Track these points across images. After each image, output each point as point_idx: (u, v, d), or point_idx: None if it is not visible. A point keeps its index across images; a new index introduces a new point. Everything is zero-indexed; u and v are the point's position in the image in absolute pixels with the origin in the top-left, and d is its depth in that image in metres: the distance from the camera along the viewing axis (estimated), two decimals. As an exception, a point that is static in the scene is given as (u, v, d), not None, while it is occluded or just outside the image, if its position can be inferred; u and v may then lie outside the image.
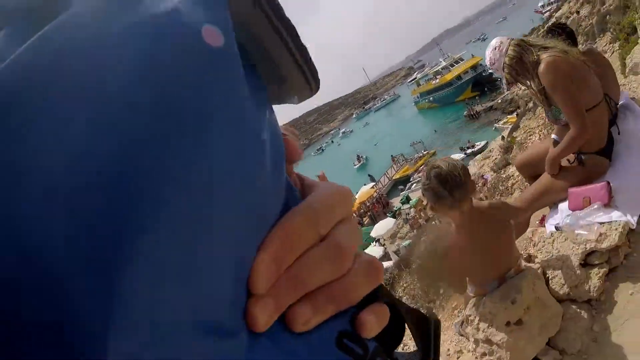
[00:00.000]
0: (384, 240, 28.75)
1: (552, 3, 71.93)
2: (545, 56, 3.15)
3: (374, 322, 0.37)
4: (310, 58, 0.38)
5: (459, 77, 60.34)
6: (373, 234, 28.97)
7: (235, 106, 0.29)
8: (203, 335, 0.27)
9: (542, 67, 3.13)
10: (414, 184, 33.97)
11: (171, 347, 0.25)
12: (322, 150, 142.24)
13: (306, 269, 0.33)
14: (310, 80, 0.39)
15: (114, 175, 0.23)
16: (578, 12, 20.79)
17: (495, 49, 3.39)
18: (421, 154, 45.02)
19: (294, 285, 0.33)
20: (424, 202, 24.06)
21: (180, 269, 0.25)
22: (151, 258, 0.23)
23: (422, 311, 0.42)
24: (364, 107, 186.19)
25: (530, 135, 11.92)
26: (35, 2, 0.31)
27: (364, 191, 39.74)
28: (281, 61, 0.37)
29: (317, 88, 0.41)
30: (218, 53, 0.29)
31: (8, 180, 0.21)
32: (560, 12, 23.88)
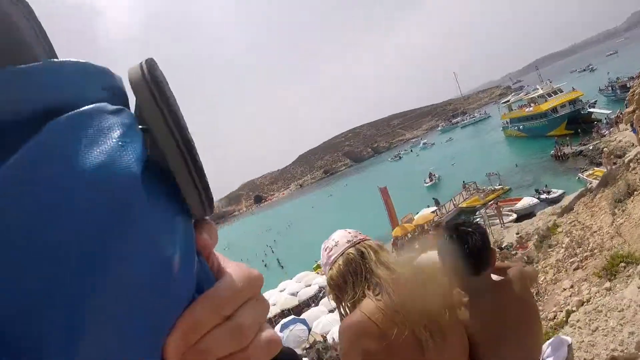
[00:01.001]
0: None
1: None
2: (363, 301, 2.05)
3: None
4: (206, 181, 0.45)
5: (554, 110, 55.90)
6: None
7: (143, 238, 0.37)
8: None
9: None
10: (478, 219, 31.27)
11: None
12: (400, 157, 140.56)
13: (210, 344, 0.42)
14: (204, 204, 0.46)
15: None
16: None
17: (326, 249, 2.30)
18: (494, 188, 42.24)
19: (200, 356, 0.42)
20: None
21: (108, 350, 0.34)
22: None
23: None
24: (451, 121, 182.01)
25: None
26: None
27: (423, 215, 37.98)
28: (181, 183, 0.44)
29: (211, 211, 0.48)
30: (129, 192, 0.37)
31: None
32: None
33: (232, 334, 0.44)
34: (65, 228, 0.33)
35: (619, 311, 6.29)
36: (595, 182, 23.00)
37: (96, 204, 0.35)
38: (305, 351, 25.55)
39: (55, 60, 0.42)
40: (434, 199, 48.06)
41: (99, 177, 0.36)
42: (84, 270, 0.33)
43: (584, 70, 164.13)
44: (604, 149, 31.29)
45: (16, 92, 0.37)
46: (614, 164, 22.20)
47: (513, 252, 22.88)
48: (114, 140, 0.39)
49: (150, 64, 0.43)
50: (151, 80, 0.42)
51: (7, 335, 0.30)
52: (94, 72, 0.43)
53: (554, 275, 14.27)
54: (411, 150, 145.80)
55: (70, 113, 0.38)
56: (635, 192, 14.01)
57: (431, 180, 64.06)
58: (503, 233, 27.02)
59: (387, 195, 39.70)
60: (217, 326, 0.44)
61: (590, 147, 39.58)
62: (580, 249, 14.19)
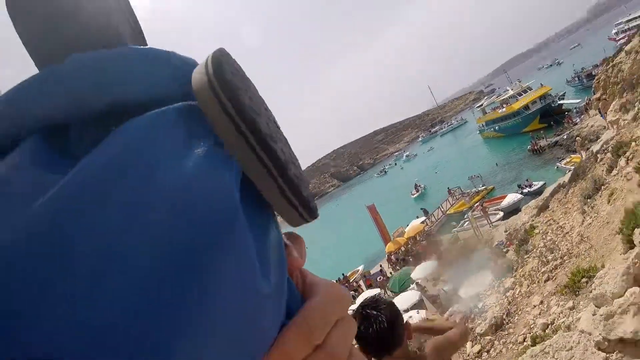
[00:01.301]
0: (425, 282, 27.40)
1: (625, 31, 68.23)
2: None
3: None
4: (302, 191, 0.42)
5: (526, 107, 57.36)
6: (413, 275, 27.81)
7: (239, 265, 0.34)
8: None
9: None
10: (466, 223, 32.00)
11: None
12: (385, 172, 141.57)
13: None
14: (302, 213, 0.43)
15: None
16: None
17: None
18: (478, 189, 42.96)
19: None
20: (470, 248, 22.48)
21: None
22: None
23: None
24: (430, 131, 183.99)
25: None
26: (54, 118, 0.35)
27: (413, 226, 38.34)
28: (270, 198, 0.40)
29: (313, 217, 0.45)
30: (228, 214, 0.34)
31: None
32: (630, 45, 21.72)
33: None
34: (152, 251, 0.30)
35: (568, 350, 6.60)
36: (570, 171, 23.77)
37: (188, 227, 0.32)
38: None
39: (133, 46, 0.41)
40: (422, 209, 48.24)
41: (193, 195, 0.33)
42: (174, 301, 0.30)
43: (551, 65, 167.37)
44: (577, 138, 32.22)
45: (84, 80, 0.36)
46: (587, 149, 22.93)
47: (505, 250, 23.46)
48: (207, 149, 0.36)
49: (217, 63, 0.38)
50: (220, 88, 0.37)
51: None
52: (178, 62, 0.42)
53: (528, 287, 14.78)
54: (395, 164, 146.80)
55: (156, 111, 0.36)
56: (602, 187, 14.48)
57: (417, 191, 64.76)
58: (492, 233, 27.44)
59: (375, 213, 40.16)
60: (309, 356, 0.41)
61: (565, 137, 40.56)
62: (552, 255, 14.76)
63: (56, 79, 0.36)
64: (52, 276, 0.28)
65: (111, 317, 0.28)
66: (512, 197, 33.45)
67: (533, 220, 20.77)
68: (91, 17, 0.43)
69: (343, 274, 39.64)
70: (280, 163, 0.39)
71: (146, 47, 0.41)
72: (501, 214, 31.64)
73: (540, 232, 17.91)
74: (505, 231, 25.16)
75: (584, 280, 10.70)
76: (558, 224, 16.82)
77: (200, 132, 0.37)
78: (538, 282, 14.24)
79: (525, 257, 17.28)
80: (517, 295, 14.86)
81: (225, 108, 0.37)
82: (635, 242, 9.10)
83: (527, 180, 36.30)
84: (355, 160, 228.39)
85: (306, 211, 0.42)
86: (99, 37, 0.43)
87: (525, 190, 34.57)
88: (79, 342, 0.27)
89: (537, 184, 34.04)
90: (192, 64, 0.41)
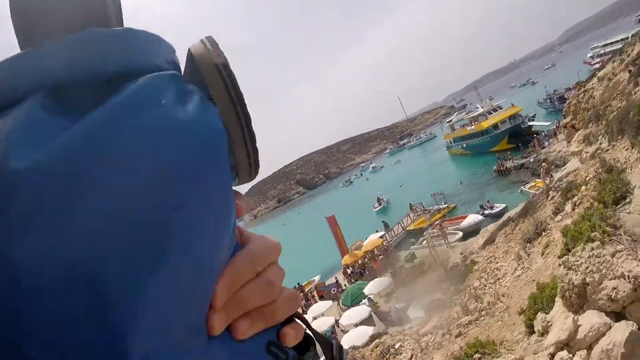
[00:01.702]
0: (378, 298, 26.88)
1: (601, 55, 68.35)
2: None
3: (293, 335, 0.57)
4: (256, 147, 0.53)
5: (495, 126, 56.49)
6: (366, 290, 27.03)
7: (225, 197, 0.46)
8: (193, 334, 0.44)
9: None
10: (424, 241, 30.81)
11: (176, 342, 0.41)
12: (351, 182, 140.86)
13: (246, 295, 0.51)
14: (252, 168, 0.54)
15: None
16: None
17: None
18: (440, 207, 42.03)
19: (238, 305, 0.50)
20: (424, 267, 21.86)
21: (181, 298, 0.40)
22: (164, 293, 0.38)
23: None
24: (398, 143, 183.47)
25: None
26: (59, 79, 0.41)
27: (371, 240, 37.38)
28: (236, 147, 0.50)
29: (256, 174, 0.57)
30: (219, 143, 0.45)
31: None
32: (603, 71, 20.92)
33: (264, 288, 0.53)
34: (162, 160, 0.38)
35: None
36: (534, 196, 22.96)
37: (192, 146, 0.41)
38: None
39: (136, 28, 0.47)
40: (383, 222, 47.56)
41: (194, 125, 0.42)
42: (173, 204, 0.39)
43: (524, 84, 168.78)
44: (543, 163, 31.39)
45: (100, 51, 0.42)
46: (551, 176, 22.04)
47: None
48: (197, 101, 0.45)
49: (213, 42, 0.49)
50: (217, 58, 0.48)
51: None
52: (164, 45, 0.49)
53: (442, 336, 14.26)
54: (361, 175, 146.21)
55: (155, 74, 0.44)
56: (543, 233, 13.88)
57: (380, 205, 63.66)
58: (449, 253, 26.55)
59: (334, 224, 38.91)
60: (252, 280, 0.52)
61: (532, 160, 39.93)
62: (475, 305, 14.20)
63: (76, 45, 0.42)
64: (74, 192, 0.34)
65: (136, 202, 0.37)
66: (472, 218, 32.79)
67: (477, 254, 20.15)
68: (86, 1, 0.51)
69: (298, 283, 38.46)
70: (249, 121, 0.49)
71: (143, 29, 0.47)
72: (460, 234, 30.77)
73: (479, 269, 17.33)
74: (461, 253, 24.26)
75: (476, 355, 10.11)
76: (496, 264, 16.38)
77: (192, 90, 0.46)
78: (450, 335, 13.81)
79: (455, 297, 16.94)
80: (429, 344, 14.43)
81: (221, 75, 0.47)
82: (535, 328, 8.77)
83: (488, 201, 35.68)
84: (322, 169, 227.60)
85: (255, 166, 0.53)
86: (90, 19, 0.50)
87: (486, 212, 33.97)
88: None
89: (498, 207, 33.44)
90: (172, 49, 0.51)
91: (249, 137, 0.50)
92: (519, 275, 13.34)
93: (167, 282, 0.38)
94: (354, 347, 19.38)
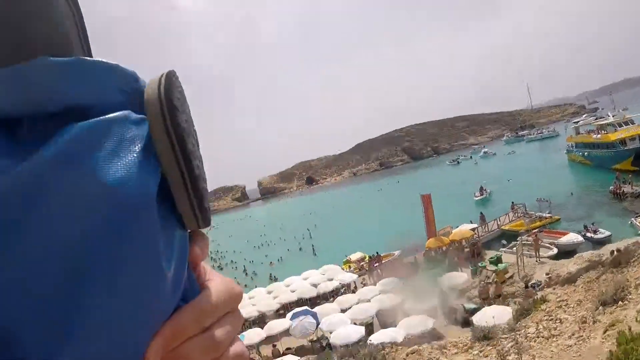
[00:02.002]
0: (450, 292, 26.30)
1: None
2: None
3: None
4: (204, 204, 0.52)
5: (623, 142, 52.23)
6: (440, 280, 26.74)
7: (151, 260, 0.44)
8: None
9: None
10: (515, 247, 29.67)
11: None
12: (458, 162, 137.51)
13: (187, 351, 0.48)
14: (198, 218, 0.52)
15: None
16: None
17: None
18: (542, 215, 39.93)
19: None
20: (507, 275, 21.07)
21: (108, 346, 0.39)
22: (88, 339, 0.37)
23: None
24: (517, 133, 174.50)
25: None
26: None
27: (462, 230, 36.62)
28: (176, 196, 0.49)
29: (206, 224, 0.53)
30: (143, 212, 0.43)
31: None
32: None
33: (208, 346, 0.50)
34: (74, 229, 0.38)
35: None
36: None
37: (109, 216, 0.40)
38: (310, 343, 25.31)
39: (87, 58, 0.45)
40: (480, 213, 46.42)
41: (116, 191, 0.41)
42: (82, 271, 0.38)
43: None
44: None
45: (44, 84, 0.41)
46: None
47: (539, 293, 21.60)
48: (135, 154, 0.43)
49: (168, 85, 0.47)
50: (166, 108, 0.47)
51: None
52: (119, 74, 0.48)
53: None
54: (471, 157, 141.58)
55: (95, 119, 0.43)
56: (621, 302, 12.48)
57: (481, 194, 61.38)
58: (535, 268, 25.49)
59: (428, 204, 38.31)
60: (196, 336, 0.50)
61: (654, 191, 36.67)
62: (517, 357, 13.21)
63: (20, 78, 0.41)
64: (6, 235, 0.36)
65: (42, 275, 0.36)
66: (572, 237, 30.95)
67: (552, 290, 19.08)
68: (43, 23, 0.47)
69: (377, 252, 39.29)
70: (194, 177, 0.48)
71: (96, 59, 0.46)
72: (555, 251, 29.25)
73: (545, 310, 15.97)
74: (547, 273, 23.16)
75: None
76: (563, 313, 14.98)
77: (136, 138, 0.45)
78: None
79: (504, 336, 15.67)
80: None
81: (166, 126, 0.46)
82: None
83: (593, 223, 33.52)
84: (432, 141, 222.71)
85: (203, 221, 0.51)
86: (50, 43, 0.47)
87: (588, 234, 31.89)
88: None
89: (602, 233, 31.23)
90: (133, 77, 0.49)
91: (191, 186, 0.48)
92: (571, 345, 12.21)
93: (85, 346, 0.38)
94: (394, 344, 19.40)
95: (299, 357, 20.64)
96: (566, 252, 28.30)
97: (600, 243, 29.43)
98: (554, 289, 19.28)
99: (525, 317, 16.02)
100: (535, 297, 18.22)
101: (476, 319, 18.92)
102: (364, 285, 33.11)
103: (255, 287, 41.82)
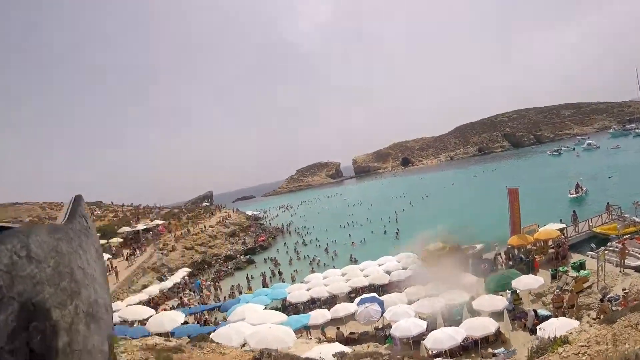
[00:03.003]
0: (525, 296, 26.04)
1: None
2: None
3: None
4: None
5: None
6: (515, 282, 25.65)
7: None
8: None
9: None
10: (606, 251, 27.98)
11: None
12: (560, 153, 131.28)
13: None
14: None
15: None
16: None
17: None
18: (638, 221, 37.05)
19: None
20: (585, 284, 19.92)
21: None
22: None
23: None
24: (624, 126, 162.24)
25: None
26: None
27: (548, 229, 34.74)
28: None
29: None
30: None
31: None
32: None
33: None
34: None
35: None
36: None
37: None
38: (375, 330, 25.62)
39: None
40: (573, 211, 44.32)
41: None
42: None
43: None
44: None
45: None
46: None
47: (613, 309, 20.42)
48: None
49: None
50: None
51: None
52: None
53: None
54: (573, 149, 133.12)
55: None
56: None
57: (577, 193, 57.84)
58: (618, 279, 24.00)
59: (515, 198, 36.96)
60: None
61: None
62: None
63: None
64: None
65: None
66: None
67: (589, 326, 17.19)
68: None
69: (458, 244, 38.45)
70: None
71: None
72: (644, 262, 27.14)
73: (560, 356, 13.50)
74: (624, 289, 21.72)
75: None
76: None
77: None
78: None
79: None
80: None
81: None
82: None
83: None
84: (535, 129, 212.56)
85: None
86: None
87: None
88: None
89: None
90: None
91: None
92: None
93: None
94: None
95: (343, 345, 20.67)
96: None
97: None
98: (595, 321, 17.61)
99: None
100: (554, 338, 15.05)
101: (543, 326, 18.26)
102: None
103: (334, 267, 42.50)
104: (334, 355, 14.62)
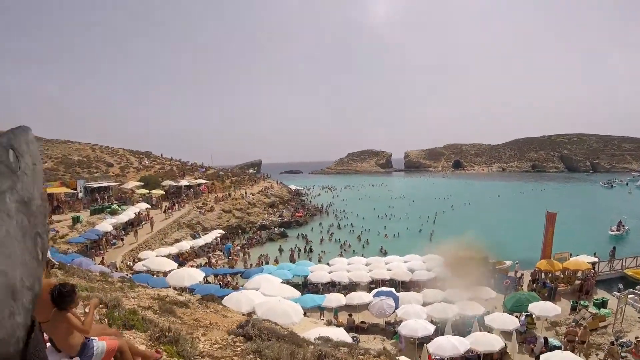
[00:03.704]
0: (538, 321, 25.92)
1: None
2: None
3: None
4: None
5: None
6: (532, 306, 25.42)
7: None
8: None
9: None
10: (629, 295, 27.81)
11: None
12: (612, 186, 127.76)
13: None
14: None
15: None
16: None
17: None
18: None
19: None
20: (602, 323, 19.78)
21: None
22: None
23: None
24: None
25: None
26: None
27: (579, 260, 34.22)
28: None
29: None
30: None
31: None
32: None
33: None
34: None
35: None
36: None
37: None
38: (385, 324, 26.54)
39: None
40: (613, 247, 44.11)
41: None
42: None
43: None
44: None
45: None
46: None
47: (622, 355, 20.51)
48: None
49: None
50: None
51: None
52: None
53: None
54: (627, 184, 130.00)
55: None
56: None
57: (618, 230, 56.46)
58: (636, 326, 23.90)
59: (551, 223, 36.71)
60: None
61: None
62: None
63: None
64: None
65: None
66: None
67: None
68: None
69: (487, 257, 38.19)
70: None
71: None
72: (666, 310, 26.80)
73: None
74: (637, 337, 21.63)
75: None
76: None
77: None
78: None
79: None
80: None
81: None
82: None
83: None
84: (593, 156, 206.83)
85: None
86: None
87: None
88: None
89: None
90: None
91: None
92: None
93: None
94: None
95: (347, 332, 21.16)
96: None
97: None
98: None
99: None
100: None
101: (544, 358, 18.36)
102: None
103: (362, 255, 42.97)
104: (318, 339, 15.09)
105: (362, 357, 8.06)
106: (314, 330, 16.78)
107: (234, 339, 7.68)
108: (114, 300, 8.70)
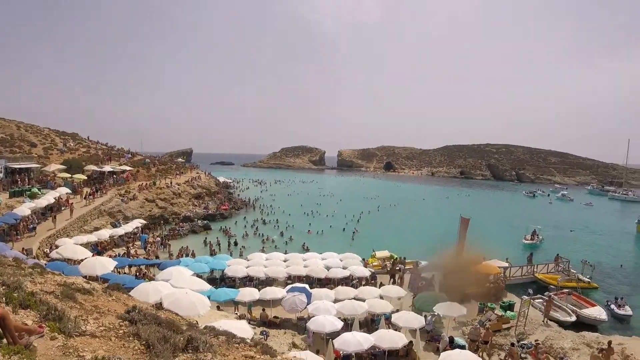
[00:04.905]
0: (446, 321, 26.61)
1: None
2: None
3: None
4: None
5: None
6: (437, 307, 26.15)
7: None
8: None
9: None
10: (533, 300, 28.93)
11: None
12: (534, 196, 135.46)
13: None
14: None
15: None
16: None
17: None
18: (581, 278, 38.00)
19: None
20: (505, 325, 20.20)
21: None
22: None
23: None
24: (602, 186, 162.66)
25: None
26: None
27: (490, 264, 35.38)
28: None
29: None
30: None
31: None
32: None
33: None
34: None
35: None
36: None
37: None
38: (297, 320, 26.60)
39: None
40: (530, 254, 46.72)
41: None
42: None
43: None
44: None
45: None
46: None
47: (522, 356, 21.28)
48: None
49: None
50: None
51: None
52: None
53: None
54: (548, 195, 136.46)
55: None
56: None
57: (532, 240, 58.63)
58: (538, 329, 24.86)
59: (464, 228, 37.58)
60: None
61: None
62: None
63: None
64: None
65: None
66: (596, 312, 29.49)
67: None
68: None
69: (404, 257, 40.56)
70: None
71: None
72: (573, 318, 28.26)
73: None
74: (536, 340, 22.55)
75: None
76: None
77: None
78: None
79: None
80: None
81: None
82: None
83: (622, 298, 32.40)
84: (518, 167, 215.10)
85: None
86: None
87: (611, 306, 31.29)
88: None
89: (626, 311, 30.56)
90: None
91: None
92: None
93: None
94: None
95: (253, 326, 21.25)
96: (586, 325, 27.67)
97: (620, 320, 29.48)
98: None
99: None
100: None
101: (444, 355, 18.72)
102: (382, 284, 33.67)
103: (285, 252, 42.91)
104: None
105: (237, 345, 8.10)
106: (218, 323, 16.67)
107: (121, 323, 7.86)
108: (16, 282, 8.69)
